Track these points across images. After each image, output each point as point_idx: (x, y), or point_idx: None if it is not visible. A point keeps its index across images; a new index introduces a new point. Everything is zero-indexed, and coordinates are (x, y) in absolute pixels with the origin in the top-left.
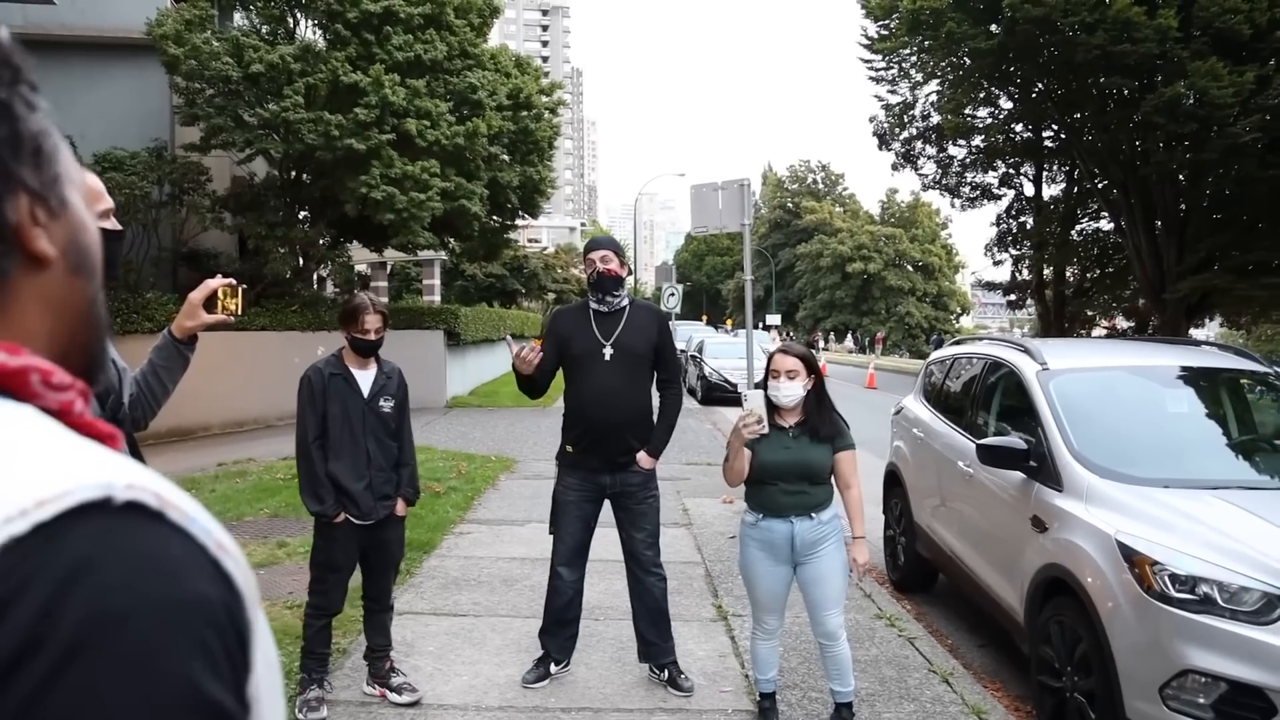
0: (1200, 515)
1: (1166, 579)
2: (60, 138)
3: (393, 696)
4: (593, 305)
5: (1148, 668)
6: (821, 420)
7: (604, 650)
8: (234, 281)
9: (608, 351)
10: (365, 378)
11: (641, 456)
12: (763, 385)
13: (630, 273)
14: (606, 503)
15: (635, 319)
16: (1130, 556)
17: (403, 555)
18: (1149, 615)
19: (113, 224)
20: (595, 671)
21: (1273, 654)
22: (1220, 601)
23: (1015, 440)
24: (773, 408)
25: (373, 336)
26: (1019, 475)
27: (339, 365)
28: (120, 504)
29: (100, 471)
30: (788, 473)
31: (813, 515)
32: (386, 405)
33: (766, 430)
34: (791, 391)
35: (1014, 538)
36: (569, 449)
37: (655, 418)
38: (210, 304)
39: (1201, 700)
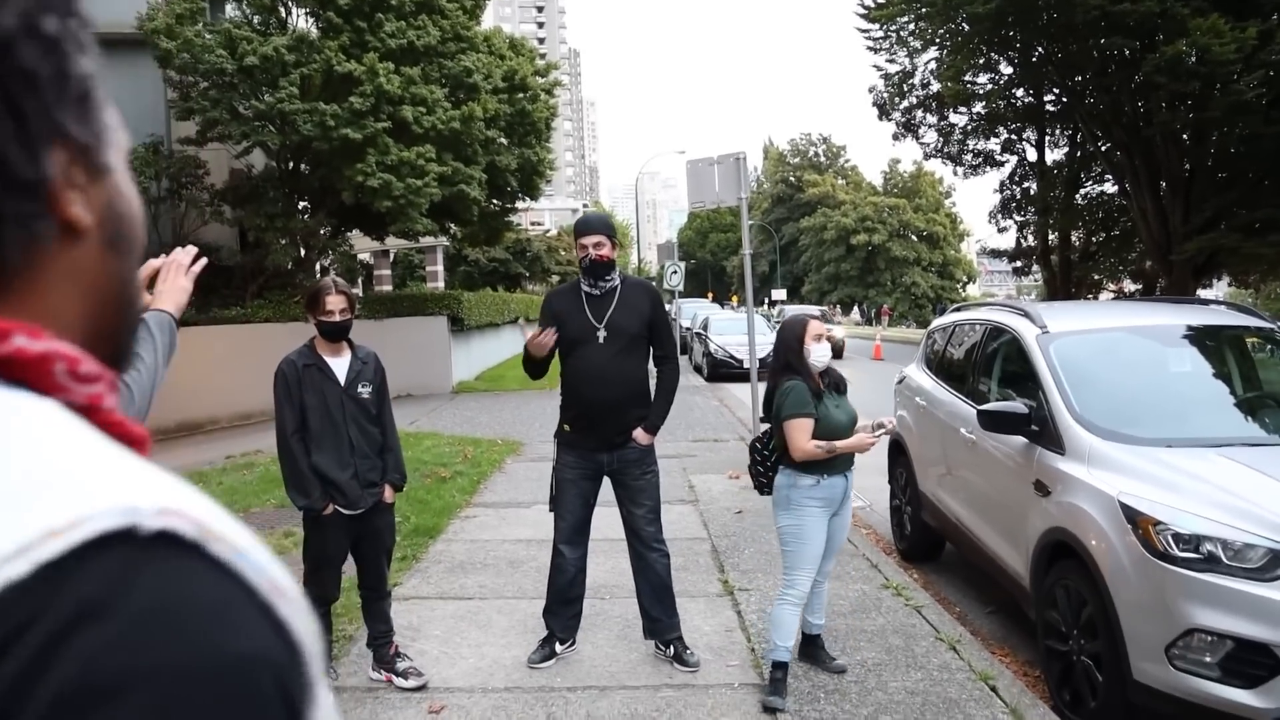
0: (1203, 474)
1: (1170, 538)
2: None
3: (398, 681)
4: (584, 288)
5: (1153, 628)
6: (838, 374)
7: (609, 628)
8: (188, 261)
9: (601, 333)
10: (340, 365)
11: (638, 432)
12: (799, 351)
13: (619, 248)
14: (606, 480)
15: (627, 297)
16: (1133, 517)
17: (394, 541)
18: (1153, 576)
19: None
20: (601, 650)
21: (1278, 609)
22: (1225, 559)
23: (1016, 405)
24: (808, 375)
25: (338, 318)
26: (1021, 440)
27: (312, 355)
28: (148, 533)
29: (126, 491)
30: (846, 429)
31: (852, 467)
32: (365, 391)
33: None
34: (827, 350)
35: (1017, 503)
36: (566, 428)
37: (652, 394)
38: (151, 285)
39: (1208, 659)
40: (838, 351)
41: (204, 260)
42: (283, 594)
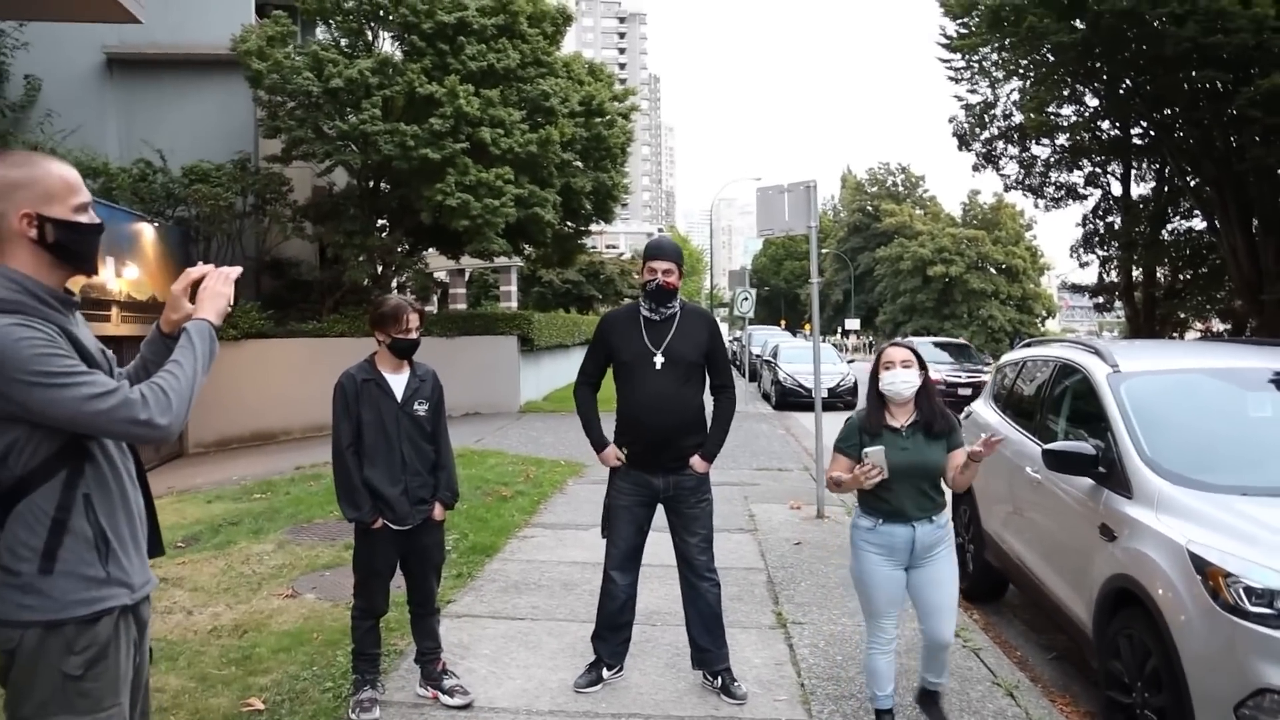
0: (1279, 524)
1: (1241, 592)
2: None
3: (445, 699)
4: (644, 312)
5: (1222, 685)
6: (934, 415)
7: (658, 656)
8: (229, 271)
9: (658, 360)
10: (398, 382)
11: (695, 460)
12: (873, 382)
13: (684, 276)
14: (660, 508)
15: (685, 326)
16: (1202, 568)
17: (443, 559)
18: (1223, 630)
19: (90, 217)
20: (648, 677)
21: None
22: None
23: (1083, 445)
24: (883, 406)
25: (415, 335)
26: (1087, 481)
27: (371, 370)
28: None
29: None
30: (905, 474)
31: (932, 519)
32: (421, 409)
33: (887, 475)
34: (910, 379)
35: (1082, 547)
36: (621, 455)
37: (710, 422)
38: (193, 295)
39: None
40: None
41: (239, 269)
42: None
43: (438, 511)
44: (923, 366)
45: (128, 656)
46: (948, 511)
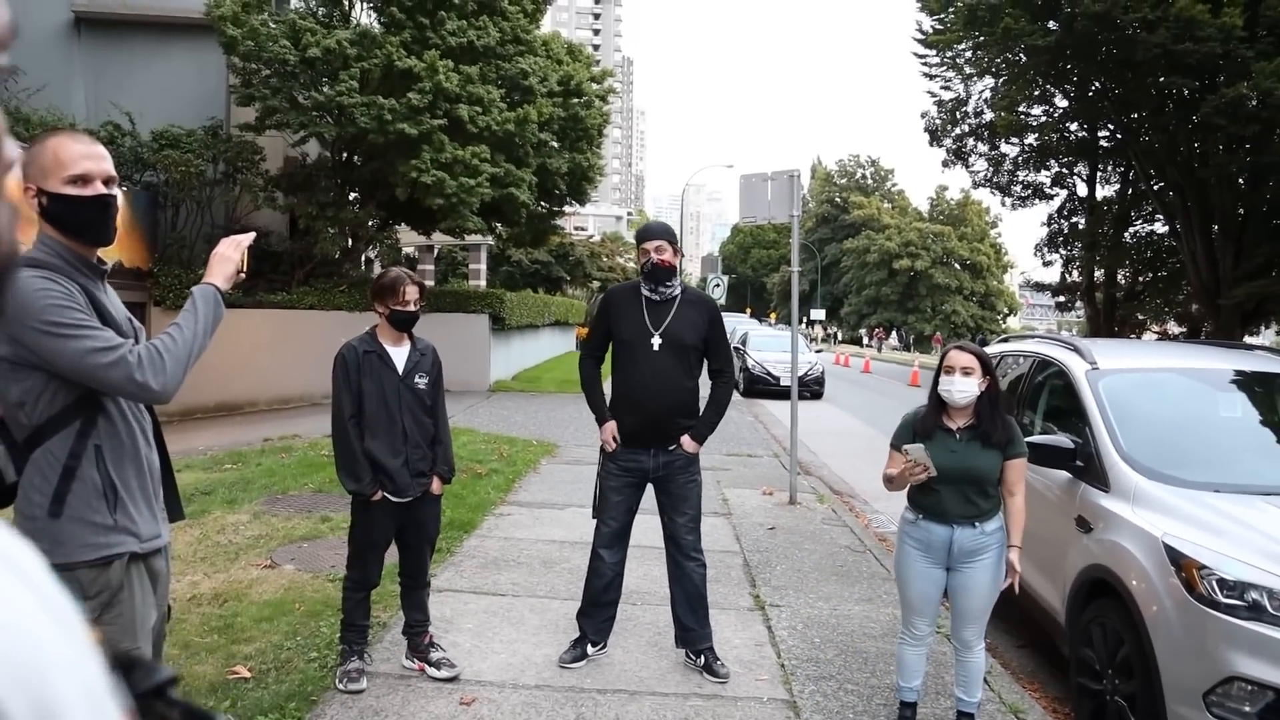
0: (1251, 521)
1: (1214, 584)
2: None
3: (431, 671)
4: (645, 292)
5: (1192, 673)
6: (994, 424)
7: (640, 635)
8: (241, 238)
9: (655, 341)
10: (399, 354)
11: (685, 440)
12: (934, 383)
13: (681, 255)
14: (649, 488)
15: (685, 310)
16: (1177, 560)
17: (438, 533)
18: (1195, 620)
19: (84, 190)
20: (631, 655)
21: None
22: (1270, 609)
23: (1062, 439)
24: (941, 407)
25: (413, 307)
26: (1065, 475)
27: (373, 342)
28: None
29: None
30: (951, 477)
31: (975, 524)
32: (421, 382)
33: (935, 473)
34: (966, 388)
35: (1058, 538)
36: (616, 436)
37: (704, 404)
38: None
39: (1247, 708)
40: None
41: (253, 235)
42: None
43: (435, 485)
44: (988, 372)
45: (143, 604)
46: (999, 520)
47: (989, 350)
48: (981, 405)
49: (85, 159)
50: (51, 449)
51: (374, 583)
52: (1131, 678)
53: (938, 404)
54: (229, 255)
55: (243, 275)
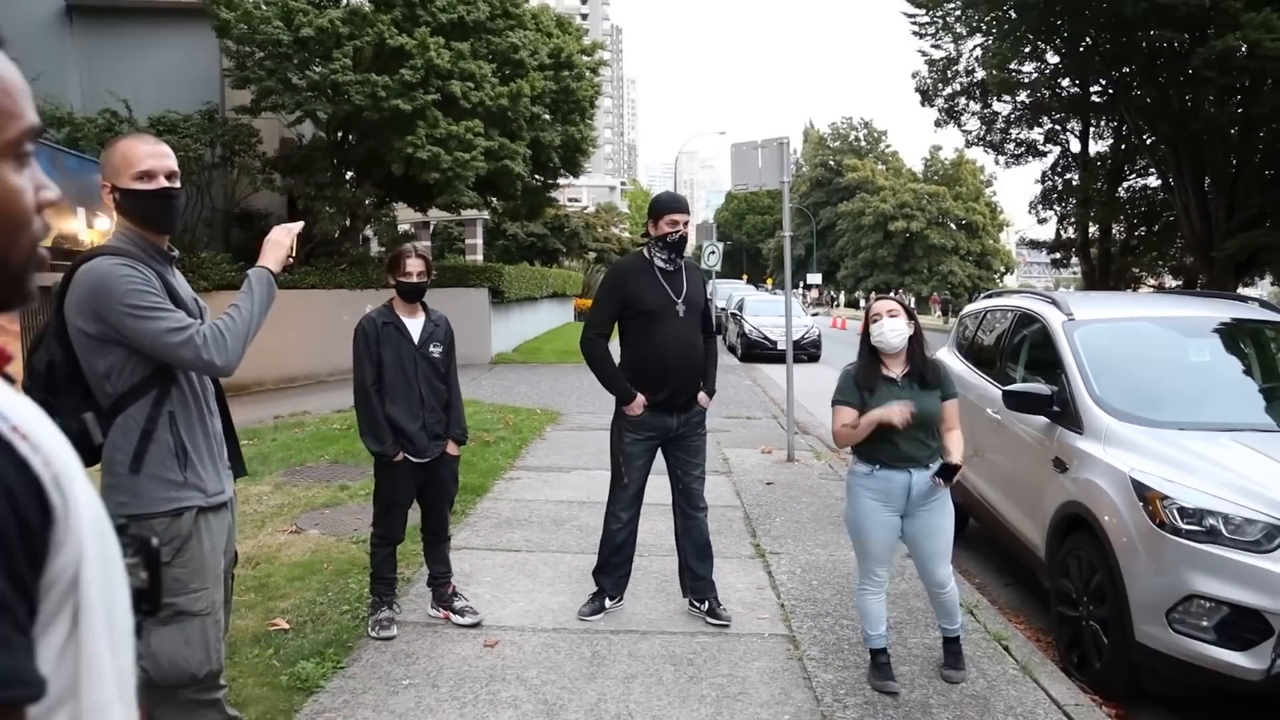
0: (1211, 455)
1: (1175, 512)
2: None
3: (456, 618)
4: (660, 264)
5: (1156, 595)
6: (927, 365)
7: (648, 583)
8: (291, 225)
9: (680, 307)
10: (415, 325)
11: (702, 396)
12: (864, 336)
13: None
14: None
15: (691, 276)
16: (1143, 492)
17: (456, 490)
18: (1159, 546)
19: (149, 184)
20: (641, 601)
21: (1272, 580)
22: (1225, 533)
23: (1040, 386)
24: (876, 359)
25: (415, 279)
26: (1043, 420)
27: (390, 314)
28: None
29: None
30: (916, 422)
31: (928, 466)
32: (436, 350)
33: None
34: (897, 327)
35: (1037, 479)
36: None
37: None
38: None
39: (1205, 623)
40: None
41: (301, 224)
42: (23, 435)
43: (451, 447)
44: (911, 317)
45: (212, 551)
46: (940, 461)
47: (976, 305)
48: (913, 350)
49: (150, 157)
50: (132, 415)
51: (399, 538)
52: (1104, 603)
53: (872, 356)
54: (280, 240)
55: (292, 259)
